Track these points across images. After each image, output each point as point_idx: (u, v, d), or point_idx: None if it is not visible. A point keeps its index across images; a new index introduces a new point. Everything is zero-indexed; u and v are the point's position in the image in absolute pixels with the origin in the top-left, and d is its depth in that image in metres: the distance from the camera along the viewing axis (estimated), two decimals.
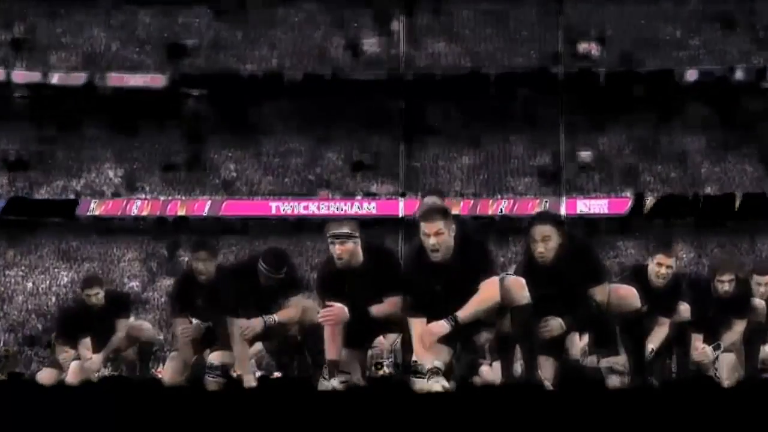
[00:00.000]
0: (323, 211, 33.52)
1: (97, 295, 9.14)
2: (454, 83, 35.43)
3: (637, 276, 7.72)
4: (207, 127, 35.84)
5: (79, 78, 36.29)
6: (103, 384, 7.05)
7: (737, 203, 33.47)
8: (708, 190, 34.14)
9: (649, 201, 33.87)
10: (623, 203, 34.14)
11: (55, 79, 36.32)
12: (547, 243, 6.42)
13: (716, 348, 8.21)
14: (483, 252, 6.48)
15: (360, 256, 6.80)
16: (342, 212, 33.02)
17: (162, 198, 34.95)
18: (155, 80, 36.33)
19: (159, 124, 35.65)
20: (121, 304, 9.50)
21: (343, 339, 6.76)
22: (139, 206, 34.78)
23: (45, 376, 9.78)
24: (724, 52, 35.76)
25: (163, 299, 29.83)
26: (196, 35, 37.29)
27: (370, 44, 36.90)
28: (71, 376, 9.17)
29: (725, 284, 8.16)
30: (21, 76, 36.40)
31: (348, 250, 6.72)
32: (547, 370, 7.02)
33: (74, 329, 9.30)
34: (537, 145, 35.90)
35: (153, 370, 11.16)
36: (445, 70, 36.14)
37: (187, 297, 8.25)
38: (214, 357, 7.71)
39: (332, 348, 6.77)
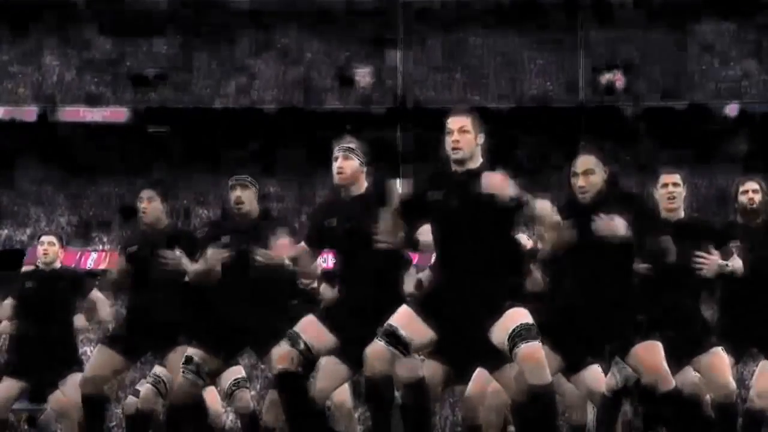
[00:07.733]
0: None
1: None
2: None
3: None
4: (174, 169, 32.20)
5: (28, 113, 33.12)
6: None
7: None
8: None
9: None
10: None
11: (0, 113, 32.99)
12: (588, 177, 6.15)
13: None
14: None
15: (362, 186, 6.67)
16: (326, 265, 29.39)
17: None
18: (116, 115, 33.29)
19: (119, 164, 32.47)
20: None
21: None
22: (95, 259, 31.33)
23: None
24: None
25: None
26: (164, 64, 33.99)
27: (363, 74, 33.56)
28: None
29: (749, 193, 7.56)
30: None
31: (350, 165, 6.61)
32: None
33: None
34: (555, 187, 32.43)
35: None
36: (448, 104, 32.70)
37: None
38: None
39: None
